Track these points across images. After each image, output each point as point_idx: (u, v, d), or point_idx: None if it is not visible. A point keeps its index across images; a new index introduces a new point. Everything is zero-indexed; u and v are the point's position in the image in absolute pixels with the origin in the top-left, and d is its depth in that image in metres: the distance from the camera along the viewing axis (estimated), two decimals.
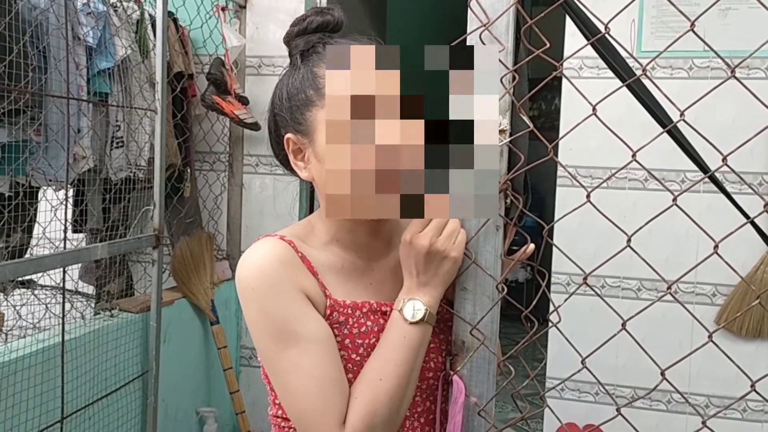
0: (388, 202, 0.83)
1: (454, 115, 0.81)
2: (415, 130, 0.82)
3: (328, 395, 0.93)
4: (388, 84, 0.82)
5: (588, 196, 0.88)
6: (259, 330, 0.97)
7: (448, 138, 0.81)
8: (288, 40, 1.04)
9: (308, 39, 1.02)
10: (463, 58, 0.81)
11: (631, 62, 0.94)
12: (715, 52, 0.86)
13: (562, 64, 0.89)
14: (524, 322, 0.96)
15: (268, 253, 0.98)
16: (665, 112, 0.92)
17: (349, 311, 1.00)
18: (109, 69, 2.46)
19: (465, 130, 0.81)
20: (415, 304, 0.95)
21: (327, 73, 0.84)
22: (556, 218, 2.96)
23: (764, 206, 0.79)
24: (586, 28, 0.92)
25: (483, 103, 0.81)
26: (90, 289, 2.84)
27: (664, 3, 2.79)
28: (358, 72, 0.82)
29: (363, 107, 0.82)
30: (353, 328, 0.99)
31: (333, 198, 0.85)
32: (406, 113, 0.82)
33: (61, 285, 2.25)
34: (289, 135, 1.01)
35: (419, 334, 0.96)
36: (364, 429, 0.93)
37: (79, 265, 2.74)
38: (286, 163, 1.08)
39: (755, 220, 0.87)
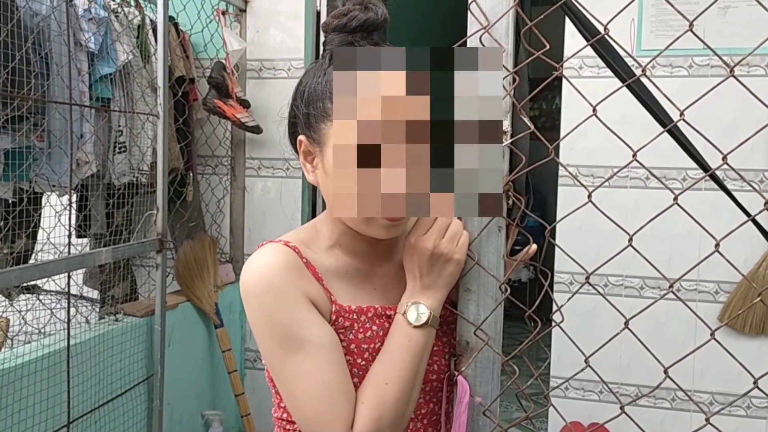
0: (394, 201, 0.84)
1: (459, 115, 0.82)
2: (420, 132, 0.82)
3: (334, 400, 0.94)
4: (396, 82, 0.82)
5: (589, 195, 0.89)
6: (265, 336, 0.97)
7: (452, 138, 0.82)
8: (326, 31, 1.00)
9: (343, 38, 0.98)
10: (467, 59, 0.82)
11: (630, 62, 0.94)
12: (714, 52, 0.86)
13: (562, 66, 0.89)
14: (528, 321, 0.97)
15: (273, 259, 0.98)
16: (665, 111, 0.92)
17: (355, 316, 1.00)
18: (110, 74, 2.46)
19: (469, 129, 0.82)
20: (418, 308, 0.96)
21: (334, 75, 0.84)
22: (558, 218, 2.97)
23: (765, 204, 0.80)
24: (586, 28, 0.93)
25: (488, 103, 0.82)
26: (94, 294, 2.85)
27: (664, 2, 2.79)
28: (366, 73, 0.83)
29: (369, 108, 0.82)
30: (359, 333, 0.99)
31: (340, 197, 0.85)
32: (411, 114, 0.82)
33: (66, 290, 2.26)
34: (301, 137, 1.01)
35: (423, 337, 0.96)
36: None
37: (84, 270, 2.75)
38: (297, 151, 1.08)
39: (757, 218, 0.88)
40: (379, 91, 0.82)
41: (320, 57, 1.03)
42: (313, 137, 0.99)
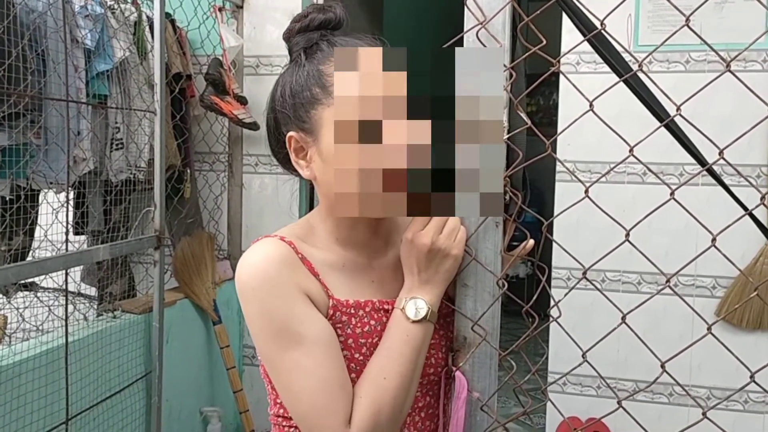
0: (395, 201, 0.84)
1: (460, 115, 0.82)
2: (422, 131, 0.83)
3: (332, 395, 0.94)
4: (396, 85, 0.82)
5: (586, 191, 0.89)
6: (261, 331, 0.97)
7: (454, 137, 0.82)
8: (288, 36, 1.03)
9: (309, 36, 1.01)
10: (469, 59, 0.82)
11: (627, 57, 0.94)
12: (710, 47, 0.86)
13: (559, 61, 0.89)
14: (525, 317, 0.97)
15: (269, 254, 0.98)
16: (662, 106, 0.92)
17: (352, 310, 1.00)
18: (107, 71, 2.46)
19: (470, 128, 0.82)
20: (417, 303, 0.96)
21: (336, 74, 0.84)
22: (555, 213, 2.97)
23: (761, 198, 0.80)
24: (582, 24, 0.93)
25: (489, 103, 0.82)
26: (92, 291, 2.85)
27: None
28: (367, 73, 0.83)
29: (371, 108, 0.83)
30: (356, 328, 0.99)
31: (341, 196, 0.85)
32: (413, 114, 0.83)
33: (64, 287, 2.26)
34: (291, 133, 1.01)
35: (421, 332, 0.96)
36: (369, 428, 0.93)
37: (81, 267, 2.74)
38: (285, 162, 1.08)
39: (754, 212, 0.88)
40: (380, 91, 0.82)
41: (291, 60, 1.04)
42: (305, 127, 0.99)
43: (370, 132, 0.83)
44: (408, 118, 0.83)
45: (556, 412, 2.89)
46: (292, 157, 1.02)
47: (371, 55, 0.83)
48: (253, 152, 3.32)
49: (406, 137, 0.83)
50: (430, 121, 0.82)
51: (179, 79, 2.94)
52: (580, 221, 2.85)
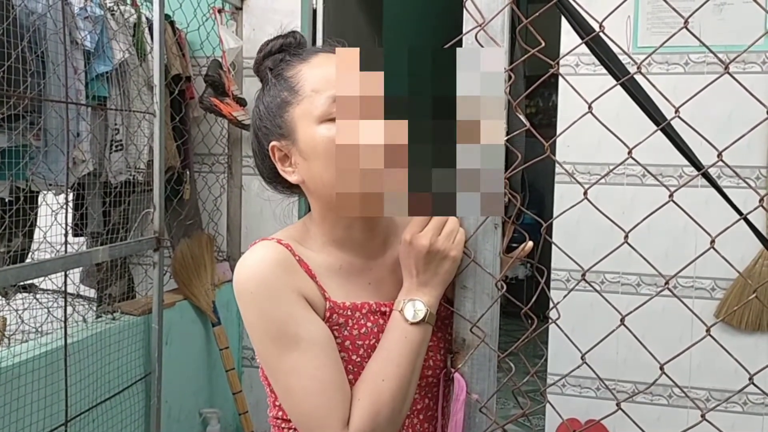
0: (396, 200, 0.84)
1: (461, 115, 0.82)
2: (422, 130, 0.83)
3: (330, 397, 0.94)
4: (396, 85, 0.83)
5: (585, 192, 0.89)
6: (259, 333, 0.98)
7: (455, 137, 0.82)
8: (257, 67, 1.08)
9: (274, 58, 1.05)
10: (469, 59, 0.82)
11: (626, 59, 0.95)
12: (709, 49, 0.86)
13: (558, 63, 0.90)
14: (524, 319, 0.97)
15: (266, 256, 0.99)
16: (658, 108, 0.92)
17: (349, 313, 1.00)
18: (107, 73, 2.46)
19: (471, 129, 0.82)
20: (415, 305, 0.96)
21: (337, 75, 0.84)
22: (554, 215, 2.97)
23: (759, 201, 0.80)
24: (581, 26, 0.93)
25: (489, 103, 0.82)
26: (91, 293, 2.85)
27: None
28: (368, 73, 0.83)
29: (371, 107, 0.83)
30: (353, 330, 1.00)
31: (343, 196, 0.86)
32: (413, 114, 0.83)
33: (63, 289, 2.26)
34: (273, 143, 1.02)
35: (420, 334, 0.97)
36: (368, 429, 0.93)
37: (81, 268, 2.74)
38: (272, 178, 1.09)
39: (751, 216, 0.88)
40: (380, 91, 0.83)
41: (263, 85, 1.07)
42: (282, 133, 1.01)
43: (370, 131, 0.83)
44: (409, 119, 0.83)
45: (555, 414, 2.89)
46: (279, 167, 1.03)
47: (373, 56, 0.83)
48: (252, 154, 3.31)
49: (407, 137, 0.83)
50: (431, 121, 0.83)
51: (179, 81, 2.94)
52: (580, 223, 2.86)
